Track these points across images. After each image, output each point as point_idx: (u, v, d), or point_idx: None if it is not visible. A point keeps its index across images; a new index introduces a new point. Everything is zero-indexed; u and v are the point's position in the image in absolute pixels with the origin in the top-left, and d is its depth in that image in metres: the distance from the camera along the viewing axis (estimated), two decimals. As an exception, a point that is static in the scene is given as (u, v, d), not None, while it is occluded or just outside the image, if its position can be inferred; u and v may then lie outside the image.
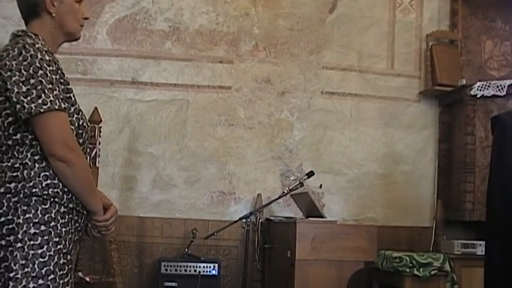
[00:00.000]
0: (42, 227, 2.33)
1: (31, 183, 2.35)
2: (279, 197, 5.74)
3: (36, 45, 2.37)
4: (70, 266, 2.42)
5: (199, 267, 5.57)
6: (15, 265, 2.29)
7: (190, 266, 5.56)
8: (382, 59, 6.63)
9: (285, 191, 5.73)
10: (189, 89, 6.25)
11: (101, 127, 5.55)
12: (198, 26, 6.33)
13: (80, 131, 2.50)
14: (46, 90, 2.33)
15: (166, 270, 5.53)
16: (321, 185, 6.26)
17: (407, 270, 5.37)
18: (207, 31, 6.34)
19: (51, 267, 2.33)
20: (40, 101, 2.31)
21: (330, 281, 5.00)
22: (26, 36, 2.41)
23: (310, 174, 5.64)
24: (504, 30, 6.96)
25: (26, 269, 2.29)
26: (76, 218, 2.47)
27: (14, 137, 2.39)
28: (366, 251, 5.17)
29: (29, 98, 2.31)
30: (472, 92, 6.10)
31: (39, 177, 2.36)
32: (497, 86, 6.04)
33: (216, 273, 5.58)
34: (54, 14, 2.53)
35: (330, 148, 6.44)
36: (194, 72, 6.27)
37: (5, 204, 2.34)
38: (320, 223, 5.19)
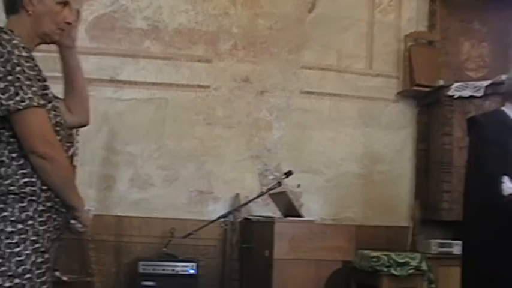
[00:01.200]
0: (19, 226, 2.31)
1: (8, 181, 2.33)
2: (257, 197, 5.73)
3: (13, 42, 2.35)
4: (47, 265, 2.40)
5: (178, 266, 5.55)
6: (-9, 263, 2.27)
7: (168, 266, 5.54)
8: (361, 59, 6.66)
9: (264, 190, 5.73)
10: (168, 87, 6.22)
11: (79, 125, 5.51)
12: (177, 25, 6.31)
13: (57, 128, 2.48)
14: (24, 87, 2.31)
15: (144, 269, 5.50)
16: (299, 185, 6.27)
17: (385, 269, 5.40)
18: (186, 30, 6.31)
19: (27, 266, 2.31)
20: (18, 97, 2.29)
21: (308, 281, 5.00)
22: (2, 33, 2.38)
23: (289, 173, 5.64)
24: (481, 32, 7.02)
25: (2, 268, 2.27)
26: (55, 216, 2.44)
27: None
28: (344, 250, 5.17)
29: (6, 94, 2.29)
30: (450, 93, 6.15)
31: (16, 174, 2.34)
32: (475, 87, 6.09)
33: (195, 273, 5.56)
34: (30, 12, 2.50)
35: (308, 148, 6.45)
36: (173, 71, 6.25)
37: None
38: (298, 222, 5.19)
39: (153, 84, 6.20)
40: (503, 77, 4.97)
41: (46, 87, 2.46)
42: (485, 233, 4.15)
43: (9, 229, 2.29)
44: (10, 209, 2.31)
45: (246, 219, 5.94)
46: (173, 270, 5.52)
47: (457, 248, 5.64)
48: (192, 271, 5.55)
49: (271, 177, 6.26)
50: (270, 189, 5.58)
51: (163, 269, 5.51)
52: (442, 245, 5.98)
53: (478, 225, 4.21)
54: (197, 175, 6.20)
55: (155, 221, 6.02)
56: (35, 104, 2.32)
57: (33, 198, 2.35)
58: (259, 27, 6.47)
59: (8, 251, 2.28)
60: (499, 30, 7.08)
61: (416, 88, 6.49)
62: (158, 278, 5.47)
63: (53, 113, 2.47)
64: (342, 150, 6.53)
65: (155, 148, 6.15)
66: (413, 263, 5.48)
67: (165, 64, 6.24)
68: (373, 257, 5.48)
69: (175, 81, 6.24)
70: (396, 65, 6.71)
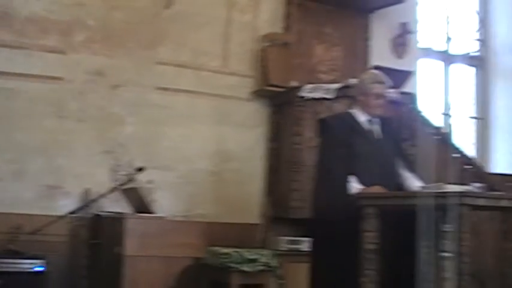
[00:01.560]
0: None
1: None
2: (109, 192, 5.64)
3: None
4: None
5: (24, 263, 5.32)
6: None
7: (14, 263, 5.31)
8: (217, 57, 6.69)
9: (115, 186, 5.65)
10: (18, 78, 5.96)
11: None
12: (28, 13, 6.05)
13: None
14: None
15: (-14, 267, 5.26)
16: (151, 181, 6.22)
17: (235, 266, 5.45)
18: (39, 18, 6.06)
19: None
20: None
21: (158, 277, 4.99)
22: None
23: (141, 169, 5.59)
24: (334, 36, 7.26)
25: None
26: None
27: None
28: (195, 247, 5.20)
29: None
30: (302, 94, 6.30)
31: None
32: (326, 89, 6.28)
33: (42, 270, 5.38)
34: None
35: (161, 144, 6.41)
36: (24, 60, 5.99)
37: None
38: (149, 219, 5.17)
39: (2, 73, 5.92)
40: (353, 80, 5.16)
41: None
42: (332, 230, 4.29)
43: None
44: None
45: (96, 215, 5.82)
46: (19, 267, 5.31)
47: (305, 245, 5.78)
48: (39, 268, 5.36)
49: (123, 172, 6.17)
50: (121, 185, 5.51)
51: (9, 266, 5.28)
52: (291, 242, 6.14)
53: (326, 223, 4.34)
54: (47, 169, 5.98)
55: (0, 216, 5.76)
56: None
57: None
58: (116, 21, 6.33)
59: None
60: (350, 35, 7.36)
61: (270, 88, 6.61)
62: (4, 275, 5.22)
63: None
64: (195, 147, 6.54)
65: (2, 140, 5.88)
66: (263, 259, 5.57)
67: (15, 53, 5.97)
68: (224, 253, 5.52)
69: (26, 71, 5.99)
70: (251, 65, 6.79)
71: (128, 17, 6.38)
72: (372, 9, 7.47)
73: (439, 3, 8.96)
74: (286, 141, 6.50)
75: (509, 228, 4.36)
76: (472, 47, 9.27)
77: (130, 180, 5.48)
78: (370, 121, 4.61)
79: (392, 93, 5.98)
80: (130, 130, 6.31)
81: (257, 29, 6.84)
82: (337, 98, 6.19)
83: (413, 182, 4.55)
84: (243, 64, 6.78)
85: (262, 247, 6.10)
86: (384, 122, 4.70)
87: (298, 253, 5.89)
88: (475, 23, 9.34)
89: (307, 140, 6.22)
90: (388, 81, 4.67)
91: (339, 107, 6.04)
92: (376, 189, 4.28)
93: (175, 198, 6.37)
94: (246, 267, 5.46)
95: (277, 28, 6.96)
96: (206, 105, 6.61)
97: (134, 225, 4.99)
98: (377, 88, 4.57)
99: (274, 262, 5.64)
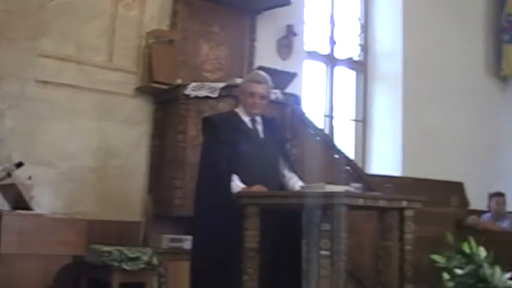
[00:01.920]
0: None
1: None
2: (-16, 188, 5.45)
3: None
4: None
5: None
6: None
7: None
8: (101, 52, 6.57)
9: (-8, 181, 5.45)
10: None
11: None
12: None
13: None
14: None
15: None
16: (30, 177, 6.04)
17: (116, 264, 5.38)
18: None
19: None
20: None
21: (36, 276, 4.84)
22: None
23: (20, 165, 5.42)
24: (220, 36, 7.29)
25: None
26: None
27: None
28: (74, 245, 5.08)
29: None
30: (186, 92, 6.29)
31: None
32: (210, 88, 6.30)
33: None
34: None
35: (42, 139, 6.23)
36: None
37: None
38: (27, 216, 5.01)
39: None
40: (238, 80, 5.21)
41: None
42: (215, 228, 4.31)
43: None
44: None
45: (-30, 211, 5.60)
46: None
47: (187, 243, 5.79)
48: None
49: (0, 168, 5.96)
50: (-2, 181, 5.34)
51: None
52: (173, 240, 6.12)
53: (209, 221, 4.36)
54: None
55: None
56: None
57: None
58: (-4, 10, 6.12)
59: None
60: (236, 35, 7.41)
61: (154, 85, 6.55)
62: None
63: None
64: (76, 143, 6.39)
65: None
66: (145, 257, 5.53)
67: None
68: (105, 251, 5.44)
69: None
70: (136, 61, 6.71)
71: (9, 6, 6.15)
72: (259, 10, 7.56)
73: (324, 7, 9.17)
74: (170, 139, 6.48)
75: (386, 227, 4.52)
76: (354, 52, 9.56)
77: (8, 175, 5.30)
78: (253, 120, 4.65)
79: (276, 93, 6.10)
80: (10, 124, 6.09)
81: (143, 25, 6.78)
82: (221, 97, 6.23)
83: (295, 182, 4.64)
84: (127, 60, 6.69)
85: (144, 245, 6.05)
86: (268, 122, 4.77)
87: (180, 251, 5.89)
88: (358, 29, 9.63)
89: (191, 138, 6.23)
90: (265, 80, 4.71)
91: (223, 106, 6.08)
92: (257, 188, 4.33)
93: (55, 195, 6.21)
94: (127, 266, 5.41)
95: (164, 25, 6.92)
96: (89, 101, 6.48)
97: (11, 222, 4.82)
98: (253, 87, 4.63)
99: (155, 260, 5.61)
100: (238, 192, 4.28)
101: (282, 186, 4.66)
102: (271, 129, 4.75)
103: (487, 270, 4.24)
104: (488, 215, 8.06)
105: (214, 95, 6.26)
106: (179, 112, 6.33)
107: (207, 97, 6.27)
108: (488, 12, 10.40)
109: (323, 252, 4.37)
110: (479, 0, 10.31)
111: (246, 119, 4.65)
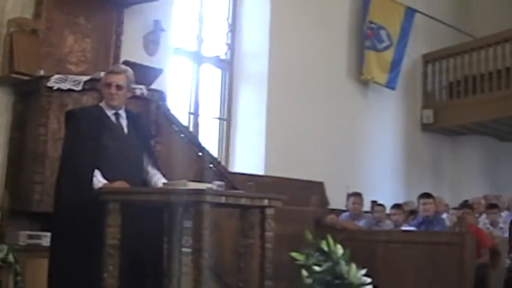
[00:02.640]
0: None
1: None
2: None
3: None
4: None
5: None
6: None
7: None
8: None
9: None
10: None
11: None
12: None
13: None
14: None
15: None
16: None
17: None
18: None
19: None
20: None
21: None
22: None
23: None
24: (86, 28, 7.14)
25: None
26: None
27: None
28: None
29: None
30: (49, 84, 6.12)
31: None
32: (74, 81, 6.16)
33: None
34: None
35: None
36: None
37: None
38: None
39: None
40: (102, 73, 5.11)
41: None
42: (75, 225, 4.22)
43: None
44: None
45: None
46: None
47: (45, 239, 5.62)
48: None
49: None
50: None
51: None
52: (30, 237, 5.94)
53: (69, 218, 4.27)
54: None
55: None
56: None
57: None
58: None
59: None
60: (103, 28, 7.28)
61: (15, 76, 6.33)
62: None
63: None
64: None
65: None
66: (0, 255, 5.35)
67: None
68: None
69: None
70: (-4, 50, 6.47)
71: None
72: (127, 4, 7.46)
73: (193, 5, 9.18)
74: (30, 132, 6.28)
75: (247, 225, 4.58)
76: (221, 50, 9.62)
77: None
78: (117, 115, 4.59)
79: (141, 89, 6.05)
80: None
81: (5, 12, 6.51)
82: (85, 90, 6.10)
83: (158, 179, 4.62)
84: (-11, 48, 6.43)
85: (0, 242, 5.83)
86: (133, 118, 4.72)
87: (39, 248, 5.72)
88: (226, 28, 9.70)
89: (53, 132, 6.07)
90: (122, 70, 4.65)
91: (87, 99, 5.97)
92: (119, 184, 4.28)
93: None
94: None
95: (27, 14, 6.69)
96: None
97: None
98: (109, 78, 4.58)
99: (11, 258, 5.43)
100: (100, 188, 4.21)
101: (145, 182, 4.62)
102: (136, 125, 4.70)
103: (343, 267, 4.39)
104: (346, 214, 8.34)
105: (78, 88, 6.12)
106: (41, 105, 6.14)
107: (70, 90, 6.12)
108: (352, 19, 10.75)
109: (185, 250, 4.39)
110: (344, 7, 10.64)
111: (110, 113, 4.58)
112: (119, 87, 4.56)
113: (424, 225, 7.53)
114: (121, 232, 4.09)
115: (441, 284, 6.41)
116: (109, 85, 4.55)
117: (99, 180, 4.28)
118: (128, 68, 4.71)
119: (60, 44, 6.96)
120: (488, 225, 8.27)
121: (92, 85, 6.05)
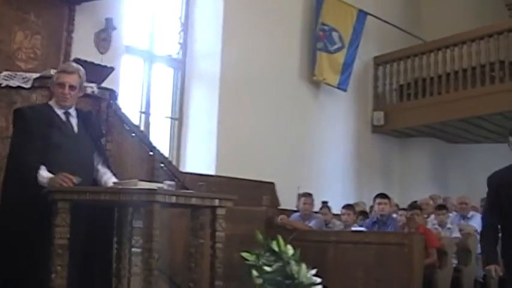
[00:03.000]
0: None
1: None
2: None
3: None
4: None
5: None
6: None
7: None
8: None
9: None
10: None
11: None
12: None
13: None
14: None
15: None
16: None
17: None
18: None
19: None
20: None
21: None
22: None
23: None
24: (36, 24, 7.04)
25: None
26: None
27: None
28: None
29: None
30: (-3, 81, 6.01)
31: None
32: (23, 78, 6.05)
33: None
34: None
35: None
36: None
37: None
38: None
39: None
40: (52, 71, 5.04)
41: None
42: (22, 224, 4.16)
43: None
44: None
45: None
46: None
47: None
48: None
49: None
50: None
51: None
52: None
53: (15, 217, 4.20)
54: None
55: None
56: None
57: None
58: None
59: None
60: (54, 25, 7.20)
61: (-37, 73, 6.20)
62: None
63: None
64: None
65: None
66: None
67: None
68: None
69: None
70: None
71: None
72: (79, 1, 7.39)
73: (145, 3, 9.13)
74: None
75: (198, 225, 4.56)
76: (173, 49, 9.58)
77: None
78: (67, 113, 4.53)
79: (92, 87, 5.98)
80: None
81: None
82: (34, 88, 5.99)
83: (109, 178, 4.57)
84: None
85: None
86: (83, 116, 4.66)
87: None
88: (178, 27, 9.67)
89: (1, 130, 5.94)
90: (75, 70, 4.58)
91: (36, 97, 5.87)
92: (63, 176, 4.20)
93: None
94: None
95: (-25, 9, 6.58)
96: None
97: None
98: (61, 77, 4.50)
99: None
100: (49, 190, 4.14)
101: (96, 181, 4.57)
102: (86, 123, 4.65)
103: (293, 267, 4.41)
104: (297, 214, 8.37)
105: (27, 85, 6.01)
106: (-12, 102, 6.02)
107: (19, 87, 6.01)
108: (305, 21, 10.82)
109: (135, 250, 4.36)
110: (297, 8, 10.70)
111: (60, 112, 4.51)
112: (72, 87, 4.49)
113: (377, 225, 7.62)
114: (70, 232, 4.04)
115: (390, 283, 6.49)
116: (62, 85, 4.48)
117: (42, 176, 4.20)
118: (80, 67, 4.65)
119: (9, 41, 6.85)
120: (437, 226, 8.39)
121: (41, 83, 5.94)
